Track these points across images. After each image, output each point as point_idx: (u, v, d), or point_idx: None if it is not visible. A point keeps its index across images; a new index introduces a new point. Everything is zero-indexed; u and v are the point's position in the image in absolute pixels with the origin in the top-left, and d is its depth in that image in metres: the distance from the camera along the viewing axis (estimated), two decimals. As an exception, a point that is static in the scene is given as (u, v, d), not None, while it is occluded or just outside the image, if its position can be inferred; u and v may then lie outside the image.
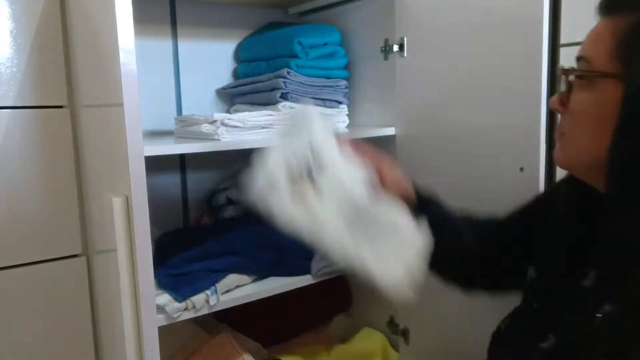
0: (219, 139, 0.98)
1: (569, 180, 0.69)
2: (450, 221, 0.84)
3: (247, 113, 1.04)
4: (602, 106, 0.57)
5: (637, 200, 0.53)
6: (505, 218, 0.84)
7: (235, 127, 0.99)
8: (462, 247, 0.82)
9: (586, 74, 0.58)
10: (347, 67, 1.30)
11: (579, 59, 0.60)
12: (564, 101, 0.62)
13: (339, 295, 1.43)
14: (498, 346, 0.73)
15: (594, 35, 0.60)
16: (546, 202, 0.78)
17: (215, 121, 0.98)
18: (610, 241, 0.56)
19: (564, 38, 0.96)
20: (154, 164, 1.02)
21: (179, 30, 1.31)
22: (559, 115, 0.65)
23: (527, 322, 0.69)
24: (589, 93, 0.58)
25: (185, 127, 1.05)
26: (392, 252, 0.69)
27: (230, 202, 1.29)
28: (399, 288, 0.66)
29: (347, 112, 1.31)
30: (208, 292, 0.97)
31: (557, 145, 0.66)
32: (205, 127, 0.98)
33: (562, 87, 0.62)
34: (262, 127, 1.03)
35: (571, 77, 0.60)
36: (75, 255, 1.15)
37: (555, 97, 0.64)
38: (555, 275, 0.66)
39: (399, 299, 0.66)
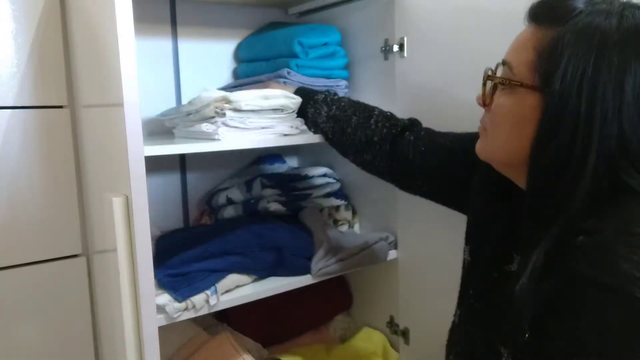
0: (219, 139, 0.98)
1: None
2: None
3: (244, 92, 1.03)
4: (520, 112, 0.60)
5: (552, 205, 0.56)
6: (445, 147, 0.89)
7: (236, 127, 0.99)
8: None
9: (507, 82, 0.61)
10: (347, 67, 1.30)
11: (504, 62, 0.63)
12: (487, 100, 0.65)
13: (339, 295, 1.43)
14: (451, 338, 0.77)
15: (519, 42, 0.62)
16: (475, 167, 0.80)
17: (215, 117, 0.97)
18: (527, 235, 0.59)
19: (564, 38, 0.96)
20: (154, 164, 1.02)
21: (179, 30, 1.31)
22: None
23: (465, 310, 0.74)
24: (509, 98, 0.61)
25: (188, 118, 1.03)
26: None
27: (230, 202, 1.29)
28: None
29: (347, 112, 1.31)
30: (208, 292, 0.97)
31: (480, 139, 0.69)
32: (206, 127, 0.98)
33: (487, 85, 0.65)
34: (262, 127, 1.03)
35: (493, 82, 0.63)
36: (75, 255, 1.15)
37: (479, 94, 0.67)
38: (486, 260, 0.70)
39: None
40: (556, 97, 0.55)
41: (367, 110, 1.00)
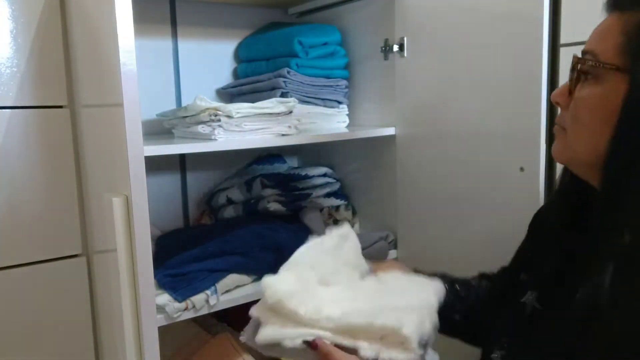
0: (218, 139, 0.98)
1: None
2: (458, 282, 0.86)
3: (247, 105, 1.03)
4: (606, 102, 0.56)
5: (631, 196, 0.52)
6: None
7: (232, 131, 0.99)
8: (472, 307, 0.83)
9: (595, 66, 0.57)
10: (347, 67, 1.30)
11: (585, 53, 0.59)
12: (567, 95, 0.61)
13: (339, 295, 1.43)
14: None
15: (602, 31, 0.59)
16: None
17: (213, 118, 0.98)
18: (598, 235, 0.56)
19: (564, 38, 0.96)
20: (154, 164, 1.02)
21: (179, 30, 1.31)
22: (558, 110, 0.65)
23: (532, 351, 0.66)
24: (594, 87, 0.57)
25: (184, 121, 1.04)
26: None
27: (230, 202, 1.29)
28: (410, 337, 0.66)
29: (347, 112, 1.31)
30: (208, 292, 0.97)
31: (557, 140, 0.64)
32: (202, 128, 0.98)
33: (567, 80, 0.62)
34: (260, 129, 1.03)
35: (579, 69, 0.59)
36: (75, 255, 1.15)
37: (558, 91, 0.63)
38: (557, 304, 0.63)
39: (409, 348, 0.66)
40: None
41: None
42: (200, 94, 1.06)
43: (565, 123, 0.62)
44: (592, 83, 0.58)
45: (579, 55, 0.60)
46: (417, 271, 0.85)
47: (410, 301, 0.72)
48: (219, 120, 0.97)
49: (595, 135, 0.57)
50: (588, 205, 0.62)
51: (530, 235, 0.76)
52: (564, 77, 0.93)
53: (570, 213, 0.66)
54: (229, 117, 0.98)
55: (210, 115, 0.97)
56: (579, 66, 0.59)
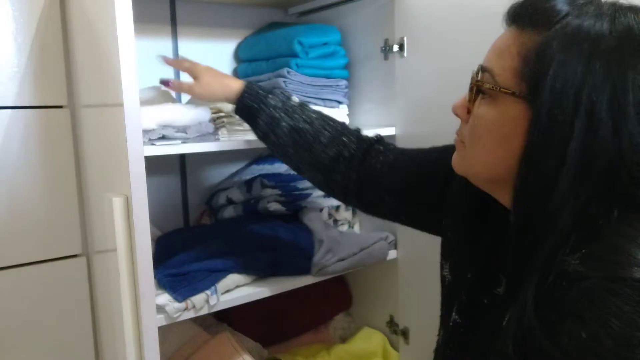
0: (219, 139, 0.98)
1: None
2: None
3: None
4: (503, 124, 0.55)
5: (539, 223, 0.51)
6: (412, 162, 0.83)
7: (235, 130, 0.99)
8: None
9: (492, 88, 0.55)
10: (347, 67, 1.30)
11: (484, 69, 0.57)
12: (467, 109, 0.60)
13: (339, 295, 1.43)
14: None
15: (500, 47, 0.57)
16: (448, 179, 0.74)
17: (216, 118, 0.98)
18: (516, 256, 0.54)
19: (564, 38, 0.96)
20: (154, 164, 1.02)
21: (179, 30, 1.31)
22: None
23: (452, 338, 0.68)
24: (491, 108, 0.56)
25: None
26: None
27: (230, 202, 1.29)
28: None
29: (347, 112, 1.31)
30: (208, 292, 0.97)
31: (456, 152, 0.64)
32: (206, 127, 0.98)
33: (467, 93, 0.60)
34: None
35: (477, 88, 0.58)
36: (75, 255, 1.15)
37: (459, 102, 0.62)
38: (472, 283, 0.65)
39: None
40: (545, 107, 0.49)
41: (337, 125, 0.90)
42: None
43: (464, 137, 0.61)
44: (489, 102, 0.57)
45: (479, 68, 0.59)
46: None
47: None
48: (223, 122, 0.98)
49: (492, 153, 0.57)
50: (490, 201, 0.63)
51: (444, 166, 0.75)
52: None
53: (480, 202, 0.66)
54: (232, 116, 0.99)
55: (214, 117, 0.98)
56: (479, 86, 0.58)
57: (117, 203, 0.81)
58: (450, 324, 0.68)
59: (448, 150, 0.67)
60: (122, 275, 0.83)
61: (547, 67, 0.50)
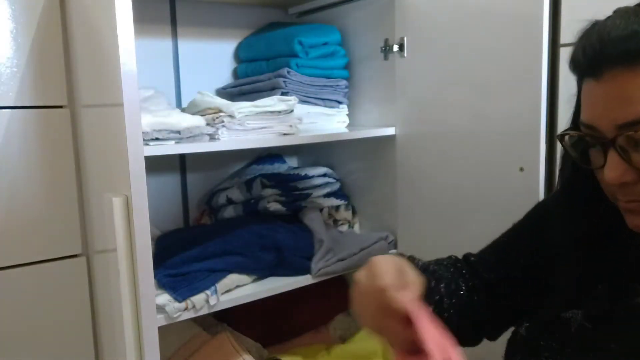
0: (219, 139, 0.98)
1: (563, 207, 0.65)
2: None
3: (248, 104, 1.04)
4: None
5: None
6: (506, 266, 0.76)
7: (236, 130, 0.99)
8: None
9: None
10: (347, 67, 1.30)
11: (634, 123, 0.50)
12: (628, 170, 0.52)
13: (339, 295, 1.43)
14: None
15: (622, 97, 0.49)
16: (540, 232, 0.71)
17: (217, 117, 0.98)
18: None
19: (564, 38, 0.96)
20: (154, 164, 1.02)
21: (179, 30, 1.31)
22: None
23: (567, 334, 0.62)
24: None
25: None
26: None
27: (230, 202, 1.29)
28: None
29: (347, 112, 1.31)
30: (208, 292, 0.97)
31: (636, 215, 0.56)
32: (206, 128, 0.98)
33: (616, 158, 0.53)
34: (262, 127, 1.03)
35: (635, 139, 0.50)
36: (75, 255, 1.15)
37: (619, 172, 0.52)
38: (601, 292, 0.61)
39: None
40: None
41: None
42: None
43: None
44: None
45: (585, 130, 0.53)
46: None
47: None
48: (222, 121, 0.98)
49: None
50: (598, 198, 0.58)
51: (531, 226, 0.73)
52: (563, 77, 0.93)
53: (580, 203, 0.62)
54: (232, 117, 0.98)
55: (214, 117, 0.98)
56: (628, 138, 0.51)
57: (117, 203, 0.81)
58: (574, 327, 0.62)
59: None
60: (122, 275, 0.83)
61: None
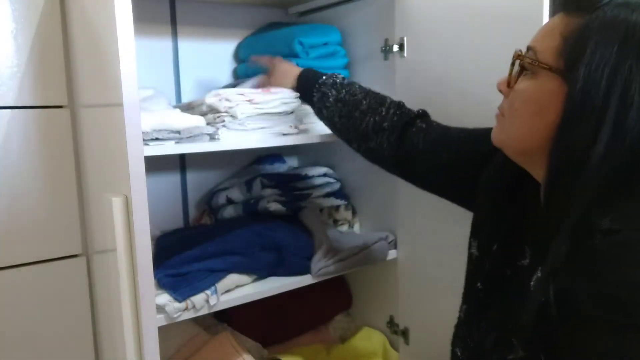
0: (219, 139, 0.98)
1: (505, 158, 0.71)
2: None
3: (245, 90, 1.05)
4: (540, 97, 0.60)
5: (571, 195, 0.55)
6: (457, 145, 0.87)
7: (236, 129, 0.99)
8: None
9: (532, 64, 0.61)
10: (347, 66, 1.30)
11: (529, 48, 0.63)
12: (510, 84, 0.65)
13: (339, 295, 1.43)
14: (458, 334, 0.76)
15: (546, 29, 0.62)
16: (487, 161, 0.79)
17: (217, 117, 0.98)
18: (543, 227, 0.59)
19: (564, 38, 0.96)
20: (154, 164, 1.02)
21: (179, 30, 1.31)
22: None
23: (473, 304, 0.73)
24: (530, 83, 0.61)
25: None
26: None
27: (230, 202, 1.29)
28: None
29: (347, 112, 1.31)
30: (208, 292, 0.97)
31: (496, 125, 0.69)
32: (206, 128, 0.98)
33: (513, 70, 0.65)
34: (262, 127, 1.03)
35: (519, 63, 0.63)
36: (75, 255, 1.15)
37: (503, 79, 0.67)
38: (497, 256, 0.69)
39: None
40: (580, 83, 0.55)
41: (378, 97, 0.97)
42: (201, 94, 1.07)
43: (504, 109, 0.66)
44: (529, 78, 0.62)
45: (524, 50, 0.64)
46: None
47: None
48: (223, 121, 0.98)
49: (528, 127, 0.62)
50: (525, 178, 0.67)
51: (482, 143, 0.79)
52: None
53: (511, 180, 0.70)
54: (233, 117, 0.98)
55: (214, 117, 0.98)
56: (518, 61, 0.63)
57: (117, 203, 0.81)
58: (477, 296, 0.72)
59: (490, 130, 0.71)
60: (122, 275, 0.83)
61: (584, 46, 0.55)
